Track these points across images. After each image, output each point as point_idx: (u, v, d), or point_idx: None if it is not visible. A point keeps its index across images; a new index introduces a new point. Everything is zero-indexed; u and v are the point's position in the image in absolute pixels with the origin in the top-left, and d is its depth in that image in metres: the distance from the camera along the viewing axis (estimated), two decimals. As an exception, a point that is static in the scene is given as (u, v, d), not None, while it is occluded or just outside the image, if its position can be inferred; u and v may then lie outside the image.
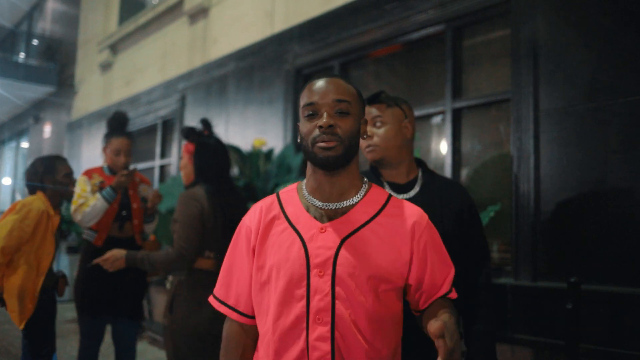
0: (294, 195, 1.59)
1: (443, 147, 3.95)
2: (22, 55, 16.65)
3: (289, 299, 1.46)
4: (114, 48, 9.46)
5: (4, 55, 15.83)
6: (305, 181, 1.60)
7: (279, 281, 1.47)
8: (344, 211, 1.53)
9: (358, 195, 1.56)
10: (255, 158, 4.78)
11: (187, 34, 7.21)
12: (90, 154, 9.87)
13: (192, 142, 3.10)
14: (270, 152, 4.90)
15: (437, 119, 4.04)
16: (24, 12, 17.51)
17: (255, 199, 4.49)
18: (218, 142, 3.11)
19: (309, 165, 1.55)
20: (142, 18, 8.34)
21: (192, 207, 2.91)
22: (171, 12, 7.63)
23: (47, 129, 14.04)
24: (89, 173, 3.71)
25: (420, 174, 2.21)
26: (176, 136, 7.11)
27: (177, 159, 7.01)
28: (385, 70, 4.65)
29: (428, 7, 3.93)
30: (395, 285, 1.51)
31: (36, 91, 14.28)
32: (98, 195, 3.52)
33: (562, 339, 2.85)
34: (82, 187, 3.62)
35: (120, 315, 3.64)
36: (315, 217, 1.52)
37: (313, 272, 1.45)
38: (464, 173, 3.83)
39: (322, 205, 1.53)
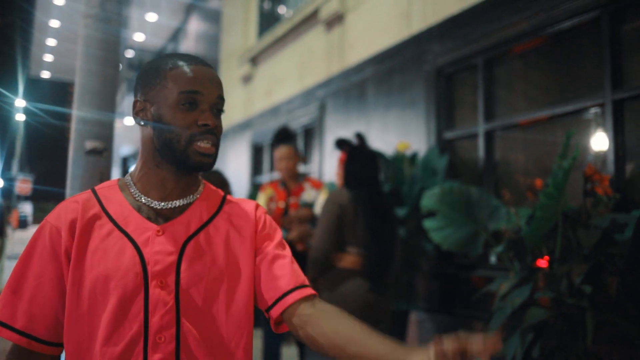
0: (116, 193, 1.34)
1: (603, 142, 3.67)
2: (169, 74, 17.75)
3: (122, 318, 1.21)
4: (254, 61, 9.81)
5: (153, 75, 16.92)
6: (133, 176, 1.36)
7: (108, 296, 1.21)
8: (182, 210, 1.34)
9: (197, 193, 1.38)
10: (399, 162, 4.73)
11: (323, 42, 7.31)
12: (235, 163, 10.30)
13: (344, 152, 3.21)
14: (414, 156, 4.83)
15: (594, 112, 3.77)
16: (169, 35, 18.72)
17: (401, 204, 4.44)
18: (369, 152, 3.19)
19: (150, 158, 1.33)
20: (280, 30, 8.58)
21: (331, 205, 3.01)
22: (307, 22, 7.77)
23: (195, 142, 14.84)
24: (263, 187, 4.10)
25: None
26: (317, 143, 7.23)
27: (318, 165, 7.12)
28: (533, 64, 4.42)
29: (580, -7, 3.68)
30: (248, 286, 1.33)
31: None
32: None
33: None
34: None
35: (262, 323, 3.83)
36: (148, 218, 1.31)
37: (152, 283, 1.23)
38: (629, 169, 3.53)
39: (158, 204, 1.32)
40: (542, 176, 3.71)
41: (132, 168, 1.46)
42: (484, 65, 4.62)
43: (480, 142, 4.58)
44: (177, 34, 18.26)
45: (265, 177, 8.99)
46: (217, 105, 1.34)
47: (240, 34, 10.72)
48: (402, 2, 5.65)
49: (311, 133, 7.70)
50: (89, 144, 3.04)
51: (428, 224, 3.87)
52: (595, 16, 3.68)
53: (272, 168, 8.66)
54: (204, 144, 1.28)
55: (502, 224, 3.51)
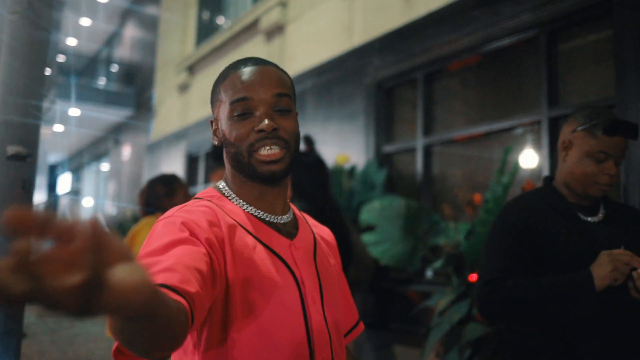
0: (228, 204, 1.21)
1: (538, 158, 3.72)
2: (102, 80, 17.32)
3: (289, 336, 1.12)
4: (192, 69, 9.63)
5: (85, 82, 16.49)
6: (229, 189, 1.24)
7: (273, 318, 1.10)
8: (293, 225, 1.27)
9: (290, 207, 1.31)
10: (337, 175, 4.68)
11: (263, 52, 7.23)
12: (169, 174, 10.06)
13: None
14: (353, 169, 4.79)
15: (531, 129, 3.82)
16: (103, 40, 18.23)
17: (340, 217, 4.38)
18: (316, 159, 3.07)
19: (234, 173, 1.23)
20: (219, 39, 8.45)
21: None
22: (247, 31, 7.68)
23: (127, 151, 14.49)
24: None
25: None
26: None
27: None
28: (472, 80, 4.47)
29: (519, 12, 3.73)
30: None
31: (116, 115, 14.80)
32: None
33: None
34: None
35: None
36: (278, 232, 1.21)
37: (310, 304, 1.17)
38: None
39: (273, 218, 1.23)
40: (479, 191, 3.73)
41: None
42: (423, 80, 4.64)
43: (419, 157, 4.58)
44: (112, 39, 17.83)
45: (200, 188, 8.79)
46: (277, 105, 1.19)
47: (177, 41, 10.52)
48: (343, 15, 5.64)
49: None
50: (11, 149, 2.84)
51: (366, 238, 3.82)
52: (534, 35, 3.74)
53: (207, 179, 8.48)
54: (264, 151, 1.16)
55: (441, 239, 3.50)
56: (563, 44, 3.68)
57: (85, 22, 16.20)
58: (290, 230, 1.24)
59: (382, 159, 4.91)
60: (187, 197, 3.25)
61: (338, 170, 4.73)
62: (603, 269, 1.73)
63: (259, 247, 1.15)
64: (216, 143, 1.26)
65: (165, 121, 10.96)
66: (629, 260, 1.73)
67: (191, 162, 9.44)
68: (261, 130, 1.15)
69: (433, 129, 4.60)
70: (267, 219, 1.22)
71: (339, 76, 5.56)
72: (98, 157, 19.35)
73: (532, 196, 2.04)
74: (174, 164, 9.79)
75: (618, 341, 1.83)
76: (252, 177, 1.19)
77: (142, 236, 2.96)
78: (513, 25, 3.80)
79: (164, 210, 3.16)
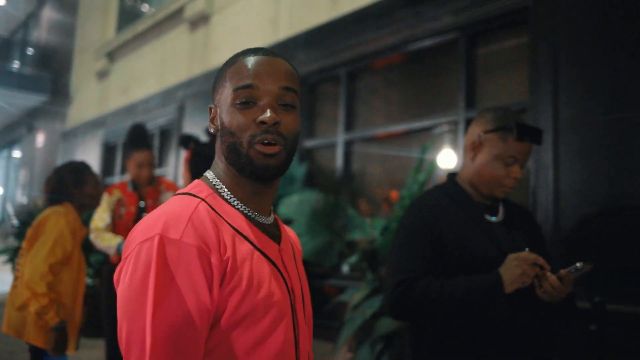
0: (221, 202, 1.14)
1: (452, 157, 3.81)
2: (16, 63, 16.53)
3: (281, 353, 1.08)
4: (111, 56, 9.32)
5: (-2, 64, 15.70)
6: (221, 183, 1.17)
7: (271, 327, 1.07)
8: (276, 227, 1.22)
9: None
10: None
11: (187, 42, 7.08)
12: (84, 163, 9.71)
13: (189, 150, 2.99)
14: (273, 162, 4.75)
15: (449, 129, 3.91)
16: (19, 21, 17.39)
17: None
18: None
19: (226, 167, 1.16)
20: (141, 26, 8.22)
21: None
22: (171, 20, 7.50)
23: (41, 138, 13.88)
24: (110, 189, 3.68)
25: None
26: (174, 146, 6.96)
27: (174, 169, 6.85)
28: (394, 79, 4.53)
29: (440, 15, 3.81)
30: None
31: (30, 100, 14.14)
32: (116, 242, 3.44)
33: (586, 362, 2.71)
34: (102, 207, 3.60)
35: None
36: (266, 234, 1.16)
37: (298, 309, 1.15)
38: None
39: (262, 219, 1.17)
40: (397, 188, 3.78)
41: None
42: (347, 76, 4.66)
43: (339, 153, 4.61)
44: (28, 21, 17.02)
45: (117, 179, 8.53)
46: (283, 99, 1.12)
47: (98, 26, 10.17)
48: (269, 8, 5.59)
49: (168, 134, 7.40)
50: None
51: (284, 232, 3.80)
52: (454, 38, 3.83)
53: (124, 169, 8.24)
54: (263, 145, 1.09)
55: (357, 235, 3.52)
56: (482, 47, 3.78)
57: (-1, 1, 15.43)
58: (274, 232, 1.20)
59: (303, 154, 4.90)
60: (98, 187, 3.12)
61: (258, 164, 4.68)
62: (512, 272, 1.77)
63: (257, 255, 1.10)
64: (212, 131, 1.19)
65: (83, 108, 10.57)
66: (535, 260, 1.79)
67: (108, 151, 9.14)
68: (263, 123, 1.08)
69: (354, 125, 4.63)
70: (257, 220, 1.16)
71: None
72: (10, 144, 18.45)
73: (437, 193, 2.05)
74: (90, 153, 9.46)
75: (524, 340, 1.88)
76: (245, 171, 1.12)
77: (48, 227, 2.80)
78: (435, 27, 3.87)
79: (71, 199, 3.02)
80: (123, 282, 1.02)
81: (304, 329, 1.16)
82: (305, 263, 4.26)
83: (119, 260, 3.47)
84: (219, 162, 1.18)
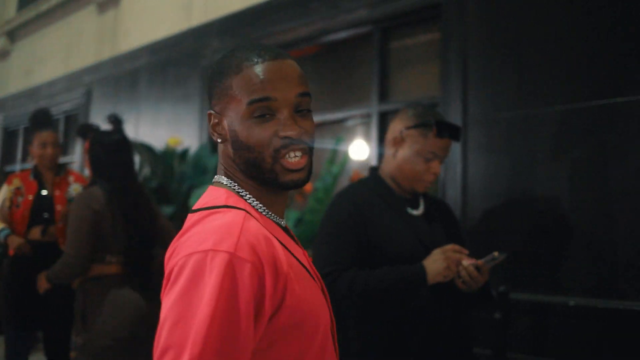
0: (254, 212, 1.07)
1: (368, 150, 3.86)
2: None
3: None
4: (12, 35, 8.83)
5: None
6: (243, 191, 1.10)
7: (317, 341, 1.03)
8: (288, 232, 1.19)
9: None
10: (169, 158, 4.51)
11: (95, 24, 6.80)
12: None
13: (88, 139, 2.91)
14: (185, 152, 4.64)
15: (362, 122, 3.95)
16: None
17: (169, 201, 4.24)
18: (119, 138, 2.91)
19: (242, 175, 1.10)
20: (45, 4, 7.81)
21: (84, 210, 2.71)
22: (77, 0, 7.18)
23: None
24: (10, 179, 3.52)
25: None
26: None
27: (80, 156, 6.59)
28: (309, 70, 4.52)
29: (355, 7, 3.83)
30: None
31: None
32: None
33: (490, 349, 2.81)
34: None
35: (50, 326, 3.45)
36: (293, 241, 1.14)
37: (334, 324, 1.14)
38: (389, 178, 3.76)
39: (283, 223, 1.15)
40: (313, 180, 3.78)
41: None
42: (261, 66, 4.61)
43: (254, 143, 4.56)
44: None
45: (18, 167, 8.10)
46: (301, 105, 1.07)
47: (-4, 3, 9.59)
48: (182, -7, 5.45)
49: (74, 121, 7.09)
50: None
51: (196, 223, 3.71)
52: (368, 31, 3.86)
53: (25, 157, 7.84)
54: (291, 159, 1.04)
55: (270, 226, 3.49)
56: (395, 42, 3.84)
57: None
58: (293, 237, 1.17)
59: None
60: None
61: (169, 153, 4.56)
62: (437, 265, 1.83)
63: (294, 264, 1.04)
64: (215, 139, 1.13)
65: (-20, 90, 9.97)
66: (460, 257, 1.85)
67: (8, 137, 8.66)
68: (287, 137, 1.03)
69: (268, 116, 4.59)
70: (281, 225, 1.13)
71: (175, 56, 5.37)
72: None
73: (361, 187, 2.09)
74: (-11, 138, 8.94)
75: (445, 329, 1.94)
76: (269, 185, 1.07)
77: None
78: (349, 19, 3.89)
79: None
80: (172, 291, 0.93)
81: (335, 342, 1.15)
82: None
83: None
84: (233, 171, 1.11)
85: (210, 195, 1.10)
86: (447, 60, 3.27)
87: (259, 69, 1.05)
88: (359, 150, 3.92)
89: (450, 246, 1.88)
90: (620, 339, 2.51)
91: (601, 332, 2.57)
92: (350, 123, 4.02)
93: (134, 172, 3.08)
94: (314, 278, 1.10)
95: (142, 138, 5.34)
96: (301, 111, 1.07)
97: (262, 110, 1.03)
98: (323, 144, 4.13)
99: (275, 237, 1.03)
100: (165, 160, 4.51)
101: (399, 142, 2.01)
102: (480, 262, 1.87)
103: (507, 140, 2.97)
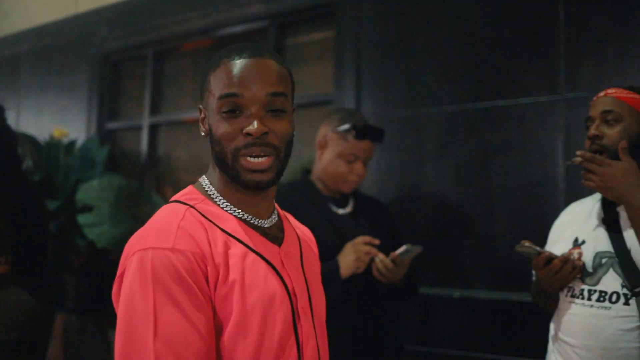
0: (213, 207, 1.12)
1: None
2: None
3: (279, 354, 1.05)
4: None
5: None
6: (213, 189, 1.15)
7: (266, 329, 1.04)
8: (279, 228, 1.21)
9: (275, 208, 1.24)
10: (54, 150, 4.29)
11: (-31, 5, 6.34)
12: None
13: None
14: (72, 144, 4.43)
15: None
16: None
17: (53, 196, 4.03)
18: (0, 128, 2.73)
19: (219, 173, 1.14)
20: None
21: None
22: (-49, -22, 6.65)
23: None
24: None
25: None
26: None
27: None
28: (202, 64, 4.45)
29: (252, 1, 3.81)
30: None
31: None
32: None
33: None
34: None
35: None
36: (265, 237, 1.14)
37: (300, 313, 1.11)
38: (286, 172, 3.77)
39: (260, 222, 1.15)
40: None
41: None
42: (153, 57, 4.49)
43: (144, 136, 4.43)
44: None
45: None
46: (272, 105, 1.07)
47: None
48: (69, -24, 5.19)
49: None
50: None
51: (83, 219, 3.57)
52: (264, 26, 3.85)
53: None
54: (251, 159, 1.06)
55: (161, 222, 3.41)
56: (291, 38, 3.85)
57: None
58: (276, 234, 1.18)
59: (105, 136, 4.64)
60: None
61: (54, 145, 4.34)
62: (348, 258, 1.91)
63: (252, 257, 1.07)
64: (203, 134, 1.16)
65: None
66: (369, 249, 1.93)
67: None
68: (249, 134, 1.05)
69: (161, 108, 4.48)
70: (253, 222, 1.14)
71: (61, 43, 5.10)
72: None
73: (289, 189, 2.19)
74: None
75: (370, 322, 2.00)
76: (234, 181, 1.10)
77: None
78: (245, 13, 3.86)
79: None
80: (122, 296, 1.01)
81: (308, 329, 1.13)
82: (108, 251, 4.06)
83: None
84: (212, 167, 1.17)
85: (181, 192, 1.19)
86: (341, 58, 3.32)
87: (233, 66, 1.08)
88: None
89: (359, 239, 1.96)
90: (503, 328, 2.66)
91: (485, 322, 2.72)
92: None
93: (19, 166, 2.89)
94: (277, 272, 1.11)
95: (24, 129, 5.04)
96: (274, 111, 1.08)
97: (229, 105, 1.06)
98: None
99: (225, 230, 1.08)
100: (50, 152, 4.29)
101: (323, 145, 2.14)
102: (393, 254, 1.95)
103: (398, 139, 3.06)
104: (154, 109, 4.46)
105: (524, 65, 2.74)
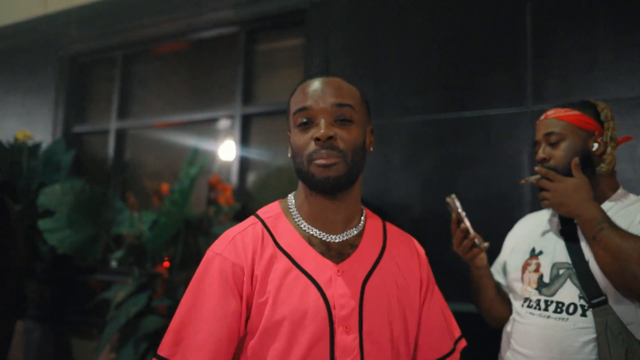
0: (283, 222, 1.26)
1: (231, 153, 3.81)
2: None
3: None
4: None
5: None
6: (294, 203, 1.30)
7: (293, 341, 1.13)
8: (352, 245, 1.26)
9: (360, 223, 1.29)
10: (17, 153, 4.20)
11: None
12: None
13: None
14: (36, 147, 4.34)
15: (225, 124, 3.89)
16: None
17: (16, 199, 3.95)
18: None
19: (302, 186, 1.27)
20: None
21: None
22: None
23: None
24: None
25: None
26: None
27: None
28: (172, 68, 4.39)
29: (221, 7, 3.77)
30: (412, 332, 1.30)
31: None
32: None
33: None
34: None
35: None
36: (322, 254, 1.22)
37: (338, 329, 1.16)
38: (250, 179, 3.74)
39: (327, 237, 1.24)
40: (170, 181, 3.68)
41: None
42: (122, 60, 4.42)
43: (111, 140, 4.36)
44: None
45: None
46: (338, 114, 1.20)
47: None
48: (38, -23, 5.10)
49: None
50: None
51: (44, 224, 3.49)
52: (234, 32, 3.82)
53: None
54: (320, 160, 1.17)
55: (125, 228, 3.35)
56: (261, 44, 3.82)
57: None
58: (342, 250, 1.24)
59: (71, 140, 4.56)
60: None
61: (17, 148, 4.25)
62: None
63: (295, 272, 1.18)
64: (289, 155, 1.27)
65: None
66: None
67: None
68: (317, 139, 1.16)
69: (129, 112, 4.42)
70: (320, 237, 1.24)
71: (27, 43, 5.01)
72: None
73: None
74: None
75: None
76: (311, 187, 1.21)
77: None
78: (215, 18, 3.83)
79: None
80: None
81: (347, 344, 1.16)
82: (68, 257, 3.98)
83: None
84: (299, 182, 1.29)
85: (268, 205, 1.35)
86: (310, 66, 3.30)
87: (305, 86, 1.24)
88: (221, 152, 3.86)
89: None
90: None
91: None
92: (212, 124, 3.95)
93: None
94: (320, 289, 1.18)
95: (-13, 130, 4.95)
96: (342, 120, 1.21)
97: (303, 118, 1.21)
98: (186, 144, 4.04)
99: (279, 244, 1.22)
100: (13, 154, 4.20)
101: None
102: None
103: (365, 148, 3.04)
104: (122, 114, 4.39)
105: (491, 77, 2.74)
